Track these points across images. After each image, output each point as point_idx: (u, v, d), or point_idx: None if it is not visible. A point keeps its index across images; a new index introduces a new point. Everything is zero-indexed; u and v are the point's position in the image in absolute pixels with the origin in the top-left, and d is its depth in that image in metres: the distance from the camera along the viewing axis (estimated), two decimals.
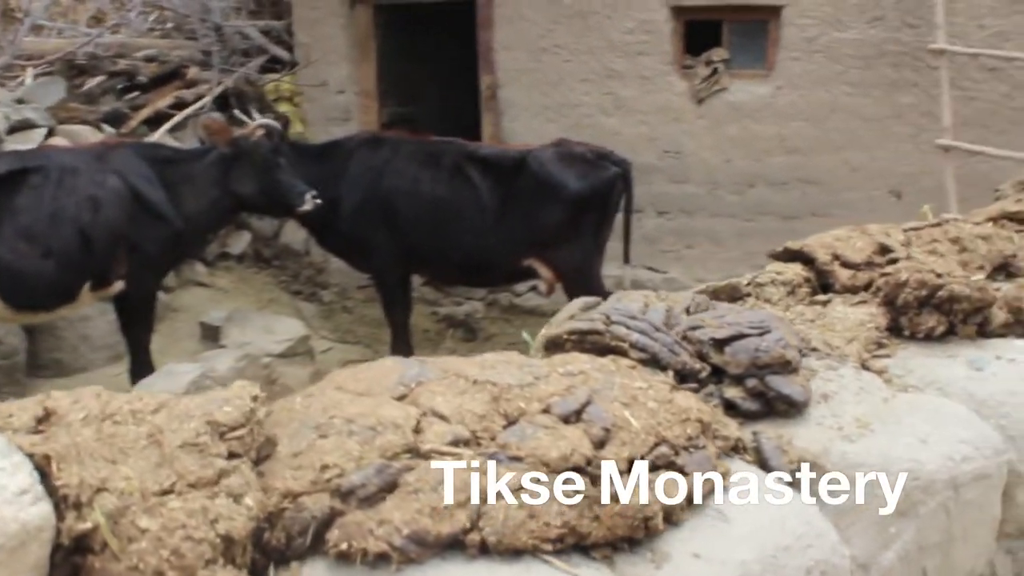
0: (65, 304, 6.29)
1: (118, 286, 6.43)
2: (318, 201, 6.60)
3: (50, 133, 7.40)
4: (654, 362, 2.16)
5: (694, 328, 2.26)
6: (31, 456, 1.50)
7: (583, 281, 6.83)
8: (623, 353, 2.18)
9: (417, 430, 1.78)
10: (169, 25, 9.24)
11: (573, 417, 1.87)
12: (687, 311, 2.38)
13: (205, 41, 8.84)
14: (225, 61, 8.86)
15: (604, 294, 6.40)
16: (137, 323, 6.70)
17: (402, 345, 7.49)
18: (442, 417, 1.83)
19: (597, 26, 8.26)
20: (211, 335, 7.44)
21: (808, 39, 7.75)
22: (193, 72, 8.84)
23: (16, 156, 6.32)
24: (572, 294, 6.95)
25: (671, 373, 2.13)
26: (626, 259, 6.99)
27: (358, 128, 8.97)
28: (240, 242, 8.77)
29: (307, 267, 9.09)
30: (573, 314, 2.35)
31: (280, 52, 9.38)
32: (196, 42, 8.96)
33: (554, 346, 2.29)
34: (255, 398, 1.81)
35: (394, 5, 9.12)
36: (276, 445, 1.77)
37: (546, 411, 1.88)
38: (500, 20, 8.57)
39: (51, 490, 1.48)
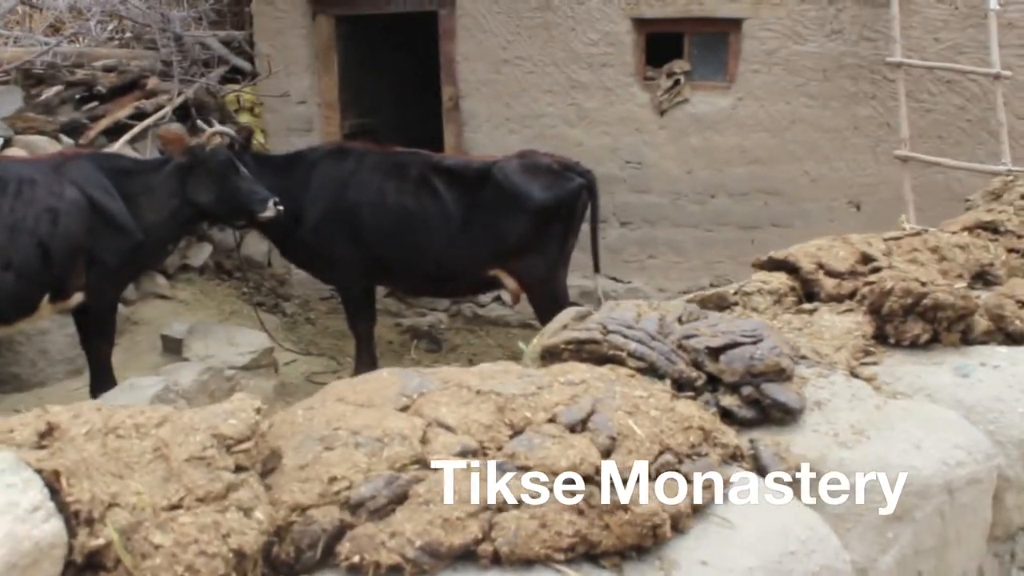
0: (24, 317, 6.20)
1: (77, 298, 6.37)
2: (280, 208, 6.55)
3: (6, 144, 7.29)
4: (652, 371, 2.16)
5: (689, 337, 2.26)
6: (40, 472, 1.46)
7: (548, 291, 6.85)
8: (621, 362, 2.18)
9: (424, 440, 1.76)
10: (128, 35, 9.14)
11: (579, 426, 1.86)
12: (680, 320, 2.39)
13: (165, 51, 8.76)
14: (185, 71, 8.78)
15: (568, 304, 6.44)
16: (97, 336, 6.62)
17: (366, 356, 7.46)
18: (448, 428, 1.81)
19: (560, 38, 8.28)
20: (173, 348, 7.34)
21: (768, 51, 7.82)
22: (153, 82, 8.76)
23: None
24: (537, 304, 6.98)
25: (668, 381, 2.14)
26: (596, 268, 7.02)
27: (319, 139, 8.93)
28: (201, 254, 8.69)
29: (269, 279, 9.02)
30: (566, 323, 2.35)
31: (241, 63, 9.31)
32: (156, 52, 8.87)
33: (551, 356, 2.28)
34: (258, 410, 1.78)
35: (355, 16, 9.09)
36: (281, 458, 1.74)
37: (552, 420, 1.87)
38: (462, 32, 8.57)
39: (61, 506, 1.44)
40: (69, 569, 1.41)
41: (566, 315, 2.42)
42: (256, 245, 8.81)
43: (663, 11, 8.03)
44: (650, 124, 8.19)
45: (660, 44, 8.23)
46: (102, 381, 6.56)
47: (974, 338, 2.70)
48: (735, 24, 7.88)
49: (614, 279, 8.34)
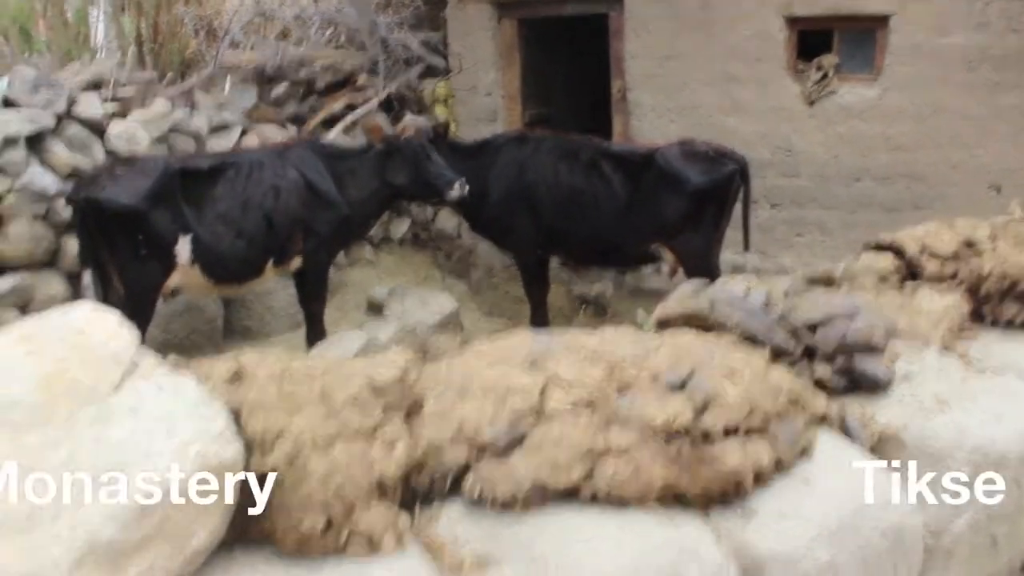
0: (253, 278, 6.58)
1: (296, 263, 6.73)
2: (466, 189, 6.75)
3: (244, 133, 7.71)
4: (752, 340, 2.19)
5: (790, 311, 2.28)
6: (227, 405, 1.63)
7: (702, 266, 6.81)
8: (725, 331, 2.22)
9: (543, 393, 1.86)
10: (342, 39, 9.48)
11: (679, 386, 1.92)
12: (785, 296, 2.40)
13: (372, 52, 9.05)
14: (389, 69, 9.06)
15: (719, 276, 6.39)
16: (313, 296, 6.96)
17: (540, 320, 7.60)
18: (564, 384, 1.91)
19: (718, 35, 8.14)
20: (376, 308, 7.65)
21: (914, 45, 7.48)
22: (362, 79, 9.06)
23: (217, 154, 6.64)
24: (692, 277, 6.92)
25: (767, 351, 2.15)
26: (746, 247, 6.93)
27: (503, 127, 9.08)
28: (401, 227, 9.00)
29: (459, 249, 9.24)
30: (684, 296, 2.39)
31: (436, 61, 9.53)
32: (365, 53, 9.17)
33: (665, 325, 2.34)
34: (407, 362, 1.91)
35: (535, 19, 9.17)
36: (423, 404, 1.87)
37: (654, 380, 1.94)
38: (629, 31, 8.54)
39: (241, 434, 1.61)
40: (245, 484, 1.59)
41: (685, 288, 2.46)
42: (448, 220, 9.04)
43: (814, 9, 7.77)
44: (800, 113, 7.98)
45: (811, 39, 8.00)
46: (316, 334, 6.90)
47: None
48: (882, 20, 7.56)
49: (765, 255, 8.19)
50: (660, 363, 1.97)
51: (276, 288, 7.50)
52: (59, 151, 6.23)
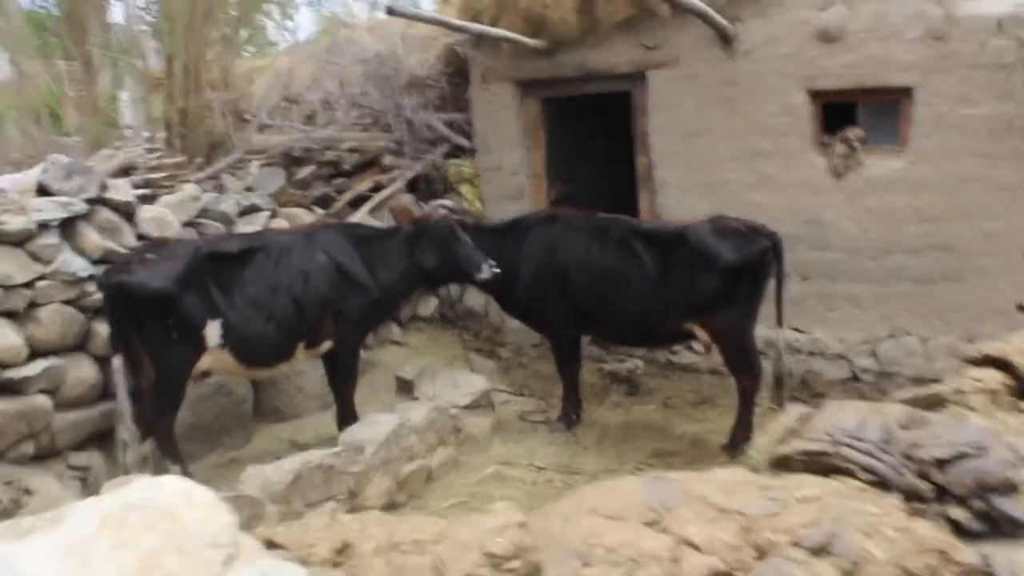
0: (284, 360, 6.43)
1: (326, 345, 6.58)
2: (496, 271, 6.59)
3: (272, 215, 7.59)
4: (882, 484, 1.95)
5: (914, 446, 2.03)
6: None
7: (737, 343, 6.60)
8: (851, 474, 1.98)
9: (675, 560, 1.63)
10: (368, 120, 9.42)
11: (821, 550, 1.68)
12: (902, 427, 2.14)
13: (398, 133, 8.98)
14: (415, 150, 8.97)
15: (756, 354, 6.13)
16: (343, 377, 6.79)
17: (572, 398, 7.37)
18: (695, 547, 1.67)
19: (742, 111, 8.04)
20: (405, 388, 7.44)
21: (938, 116, 7.35)
22: (388, 160, 8.98)
23: (246, 237, 6.52)
24: (727, 354, 6.72)
25: (898, 494, 1.92)
26: (779, 322, 6.69)
27: (529, 205, 8.95)
28: (429, 306, 8.83)
29: (487, 328, 9.06)
30: (792, 426, 2.15)
31: (461, 140, 9.45)
32: (391, 134, 9.10)
33: (782, 465, 2.09)
34: (521, 525, 1.68)
35: (558, 98, 9.10)
36: (541, 572, 1.63)
37: (796, 544, 1.70)
38: (653, 108, 8.45)
39: None
40: None
41: (790, 415, 2.22)
42: (475, 298, 8.88)
43: (837, 82, 7.67)
44: (827, 187, 7.82)
45: (835, 112, 7.87)
46: (347, 416, 6.71)
47: None
48: (906, 92, 7.45)
49: (797, 330, 7.97)
50: (796, 521, 1.74)
51: (307, 369, 7.32)
52: (91, 235, 6.10)
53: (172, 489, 1.39)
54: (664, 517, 1.74)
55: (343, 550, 1.52)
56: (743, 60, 7.97)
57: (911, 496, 1.92)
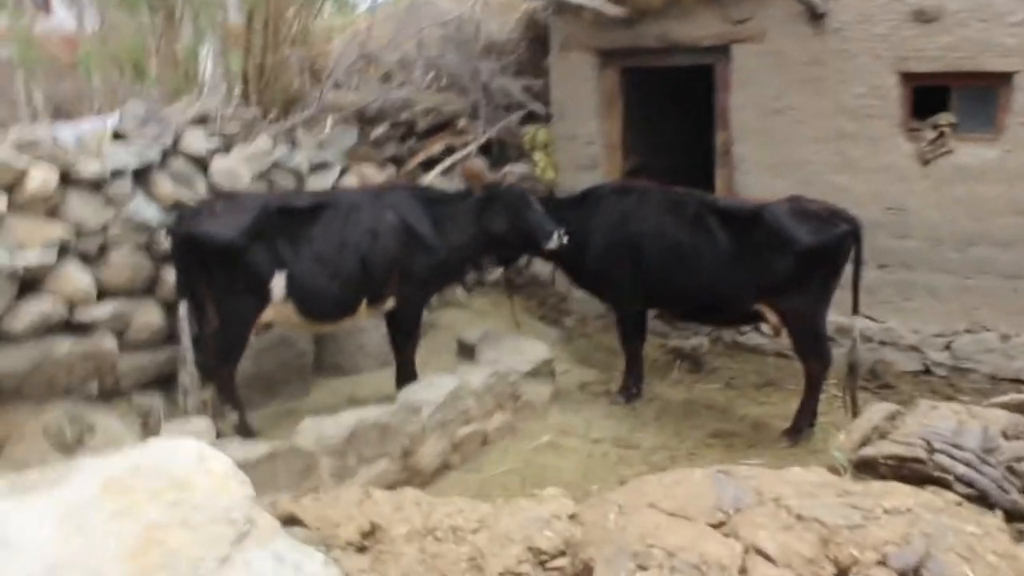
0: (346, 317, 6.42)
1: (390, 304, 6.54)
2: (565, 240, 6.45)
3: (343, 172, 7.54)
4: (981, 499, 1.74)
5: (1018, 460, 1.82)
6: None
7: (808, 329, 6.39)
8: (946, 485, 1.77)
9: (743, 571, 1.46)
10: (444, 83, 9.31)
11: (912, 573, 1.49)
12: (1005, 435, 1.92)
13: (474, 97, 8.86)
14: (490, 114, 8.85)
15: (826, 340, 5.90)
16: (405, 337, 6.75)
17: (634, 372, 7.24)
18: (767, 557, 1.51)
19: (829, 90, 7.73)
20: (466, 351, 7.37)
21: None
22: (462, 123, 8.88)
23: (316, 194, 6.50)
24: (796, 339, 6.50)
25: (1000, 513, 1.71)
26: (855, 310, 6.42)
27: (603, 176, 8.77)
28: (495, 270, 8.71)
29: (552, 296, 8.95)
30: (877, 424, 1.93)
31: (538, 107, 9.30)
32: (466, 98, 8.99)
33: (867, 467, 1.87)
34: (572, 516, 1.53)
35: (638, 68, 8.87)
36: (592, 571, 1.48)
37: (882, 563, 1.51)
38: (736, 83, 8.18)
39: None
40: None
41: (876, 412, 1.99)
42: (542, 265, 8.75)
43: (931, 65, 7.31)
44: (913, 173, 7.49)
45: (926, 96, 7.53)
46: (406, 376, 6.69)
47: None
48: (1005, 77, 7.07)
49: (870, 318, 7.68)
50: (883, 537, 1.54)
51: (369, 326, 7.29)
52: (163, 184, 6.13)
53: (187, 454, 1.26)
54: (733, 519, 1.56)
55: (372, 533, 1.39)
56: (832, 38, 7.66)
57: (1015, 516, 1.71)
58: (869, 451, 1.85)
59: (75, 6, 8.23)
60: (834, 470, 1.80)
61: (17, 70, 8.41)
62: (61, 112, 7.61)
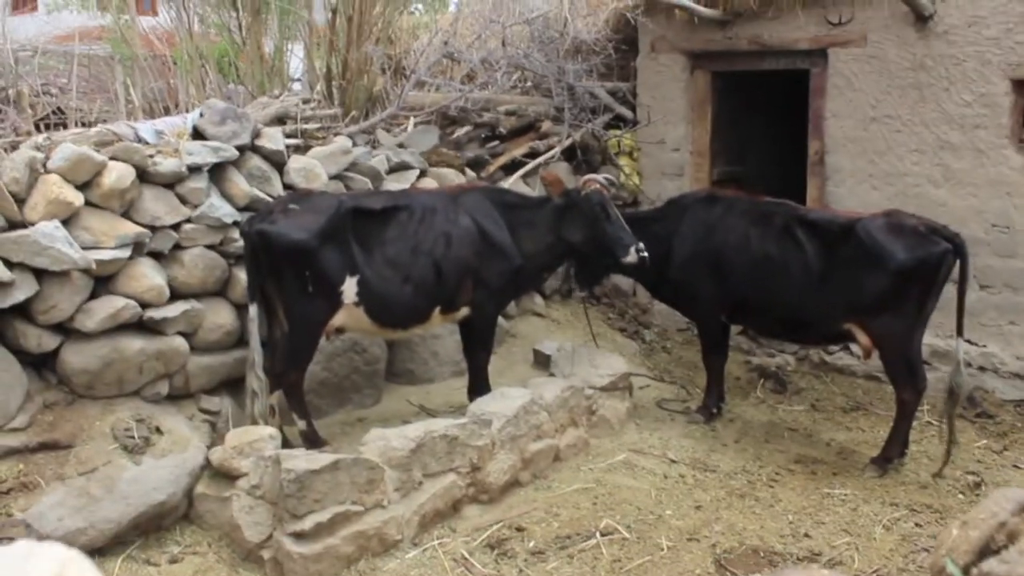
0: (419, 324, 6.25)
1: (464, 312, 6.34)
2: (644, 255, 6.14)
3: (422, 174, 7.38)
4: None
5: None
6: None
7: (901, 351, 5.98)
8: None
9: None
10: (528, 84, 9.09)
11: None
12: None
13: (558, 99, 8.61)
14: (575, 117, 8.60)
15: (920, 365, 5.51)
16: (479, 346, 6.54)
17: (715, 390, 6.93)
18: None
19: (932, 98, 7.30)
20: (542, 362, 7.15)
21: None
22: (546, 126, 8.65)
23: (391, 195, 6.34)
24: (888, 362, 6.10)
25: None
26: (959, 332, 5.97)
27: (689, 184, 8.47)
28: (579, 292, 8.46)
29: (633, 307, 8.66)
30: (1005, 522, 1.55)
31: (624, 111, 9.02)
32: (551, 99, 8.75)
33: None
34: None
35: (730, 72, 8.53)
36: None
37: None
38: (832, 89, 7.79)
39: None
40: None
41: (1004, 503, 1.60)
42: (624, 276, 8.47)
43: None
44: (1022, 188, 7.01)
45: None
46: (479, 386, 6.49)
47: None
48: None
49: (969, 342, 7.22)
50: None
51: (443, 333, 7.12)
52: (239, 182, 6.03)
53: (43, 567, 0.91)
54: None
55: None
56: (938, 41, 7.22)
57: None
58: (998, 568, 1.40)
59: (174, 5, 8.24)
60: None
61: (117, 67, 8.48)
62: (156, 109, 7.61)
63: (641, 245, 6.14)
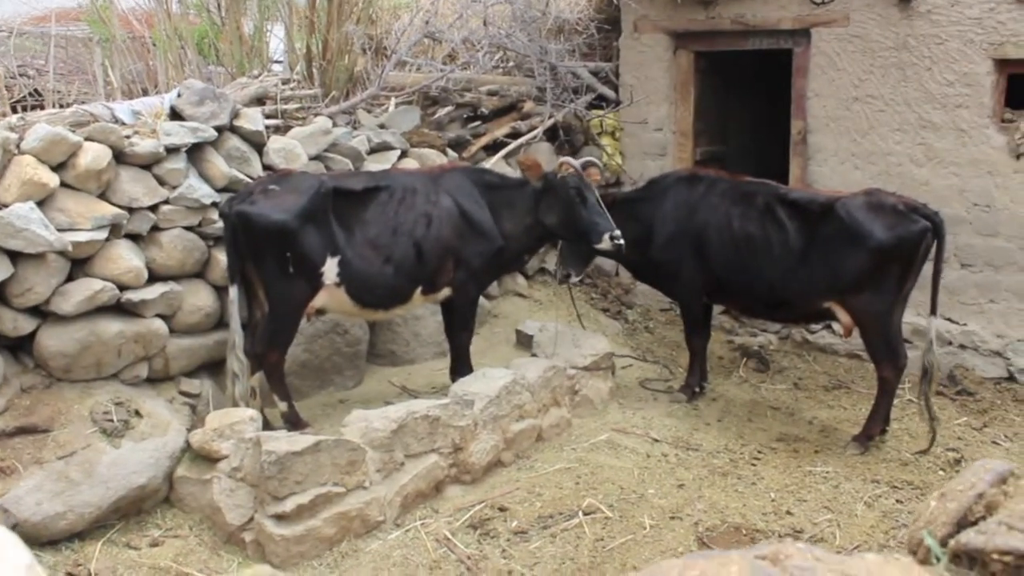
0: (400, 305, 6.20)
1: (445, 292, 6.30)
2: (620, 242, 6.05)
3: (403, 155, 7.32)
4: None
5: None
6: None
7: (881, 329, 5.98)
8: None
9: None
10: (510, 64, 9.01)
11: None
12: None
13: (540, 79, 8.54)
14: (557, 97, 8.53)
15: (901, 343, 5.51)
16: (460, 326, 6.49)
17: (697, 369, 6.91)
18: None
19: (914, 77, 7.28)
20: (525, 342, 7.12)
21: None
22: (528, 106, 8.59)
23: (371, 176, 6.26)
24: (869, 340, 6.10)
25: None
26: (933, 310, 5.99)
27: (672, 164, 8.43)
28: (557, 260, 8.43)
29: (615, 287, 8.63)
30: (983, 492, 1.49)
31: (606, 91, 8.96)
32: (533, 80, 8.68)
33: (969, 561, 1.44)
34: None
35: (713, 52, 8.48)
36: None
37: None
38: (815, 69, 7.76)
39: None
40: None
41: (983, 475, 1.54)
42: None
43: None
44: (1004, 167, 7.02)
45: (1020, 85, 7.03)
46: (461, 367, 6.46)
47: None
48: None
49: (950, 320, 7.24)
50: None
51: (425, 315, 7.08)
52: (217, 163, 5.95)
53: None
54: None
55: None
56: (921, 21, 7.19)
57: None
58: (976, 539, 1.33)
59: None
60: (925, 561, 1.38)
61: (95, 48, 8.35)
62: (135, 91, 7.50)
63: (617, 232, 6.02)
